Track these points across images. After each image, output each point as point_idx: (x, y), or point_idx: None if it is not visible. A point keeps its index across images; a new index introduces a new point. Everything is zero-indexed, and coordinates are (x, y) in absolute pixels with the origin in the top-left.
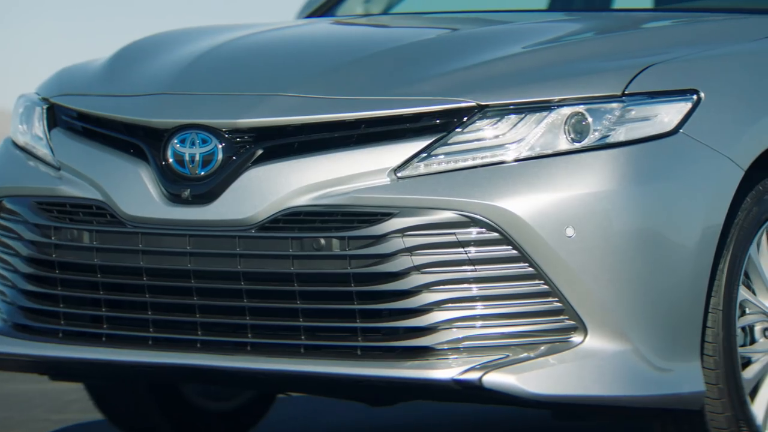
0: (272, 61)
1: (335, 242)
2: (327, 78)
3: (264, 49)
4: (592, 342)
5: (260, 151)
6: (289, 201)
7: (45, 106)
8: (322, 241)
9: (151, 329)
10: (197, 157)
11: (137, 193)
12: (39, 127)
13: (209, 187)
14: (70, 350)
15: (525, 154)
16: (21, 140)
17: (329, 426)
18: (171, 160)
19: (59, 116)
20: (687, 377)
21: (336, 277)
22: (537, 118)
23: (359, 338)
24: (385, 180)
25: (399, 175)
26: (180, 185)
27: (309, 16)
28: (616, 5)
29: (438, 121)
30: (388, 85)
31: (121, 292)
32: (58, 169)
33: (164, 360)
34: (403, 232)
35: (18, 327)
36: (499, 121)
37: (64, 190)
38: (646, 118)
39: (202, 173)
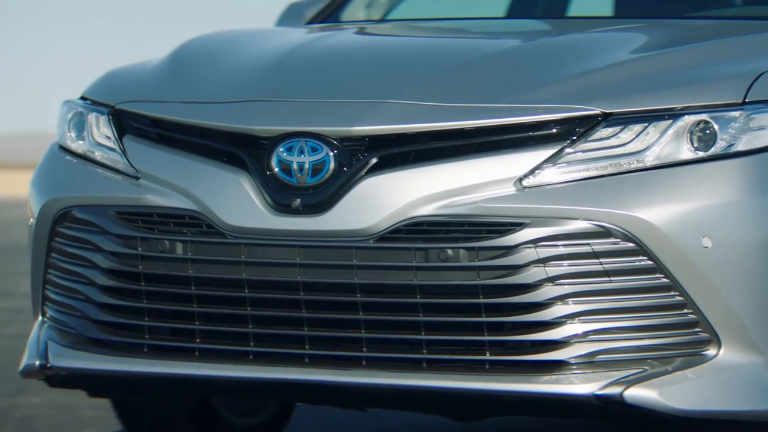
0: (366, 65)
1: (463, 253)
2: (436, 84)
3: (350, 54)
4: (726, 355)
5: (375, 160)
6: (411, 211)
7: (109, 113)
8: (449, 251)
9: (251, 343)
10: (306, 166)
11: (239, 202)
12: (105, 134)
13: (321, 196)
14: (158, 365)
15: (651, 162)
16: (78, 148)
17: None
18: (276, 169)
19: (127, 123)
20: None
21: (463, 289)
22: (661, 126)
23: (487, 352)
24: (510, 189)
25: (525, 184)
26: (287, 194)
27: (310, 23)
28: (572, 11)
29: (561, 129)
30: (504, 91)
31: (218, 305)
32: (137, 178)
33: (270, 375)
34: (536, 242)
35: (91, 341)
36: (623, 129)
37: (150, 200)
38: (764, 127)
39: (312, 182)
